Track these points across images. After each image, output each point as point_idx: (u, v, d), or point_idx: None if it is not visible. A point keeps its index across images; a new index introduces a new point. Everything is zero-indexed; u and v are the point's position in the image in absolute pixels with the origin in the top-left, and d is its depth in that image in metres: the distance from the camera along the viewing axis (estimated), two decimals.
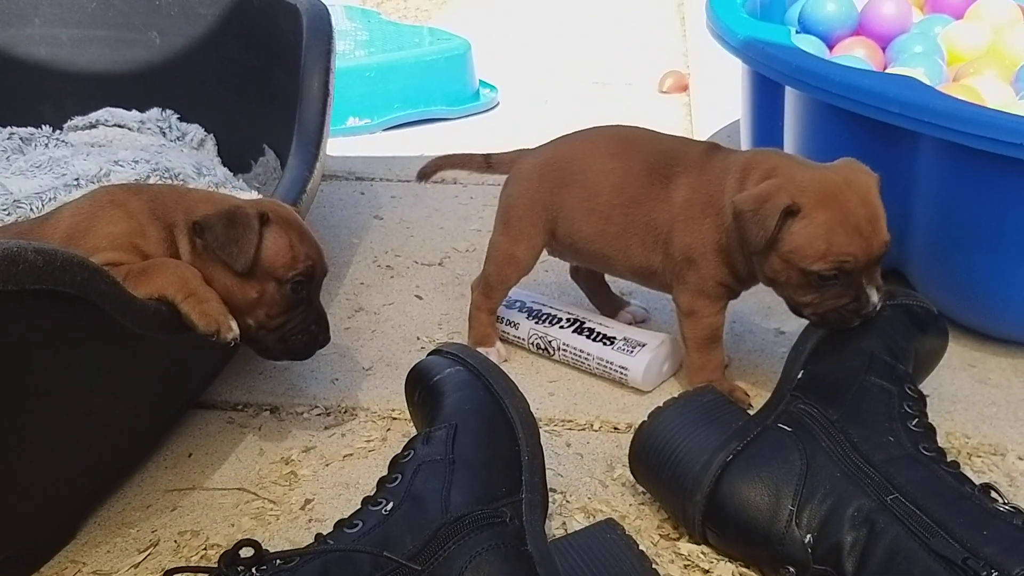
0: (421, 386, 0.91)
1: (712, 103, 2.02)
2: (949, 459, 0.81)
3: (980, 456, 0.99)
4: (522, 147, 1.18)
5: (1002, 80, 1.35)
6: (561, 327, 1.16)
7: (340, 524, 0.76)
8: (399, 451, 0.84)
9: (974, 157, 1.04)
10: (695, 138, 1.89)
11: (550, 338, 1.15)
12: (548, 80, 2.28)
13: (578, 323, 1.16)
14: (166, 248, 0.92)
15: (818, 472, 0.80)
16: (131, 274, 0.87)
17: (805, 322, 0.99)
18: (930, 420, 0.86)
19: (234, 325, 0.91)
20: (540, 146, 1.16)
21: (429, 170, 1.21)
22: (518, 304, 1.21)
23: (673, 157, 1.05)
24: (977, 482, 0.93)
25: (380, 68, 1.95)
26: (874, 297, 0.93)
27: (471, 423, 0.83)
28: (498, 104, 2.13)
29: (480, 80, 2.14)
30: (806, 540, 0.77)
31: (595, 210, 1.08)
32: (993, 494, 0.76)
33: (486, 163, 1.19)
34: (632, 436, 0.91)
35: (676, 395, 0.92)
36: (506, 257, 1.14)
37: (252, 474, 1.00)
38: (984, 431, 1.03)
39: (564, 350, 1.15)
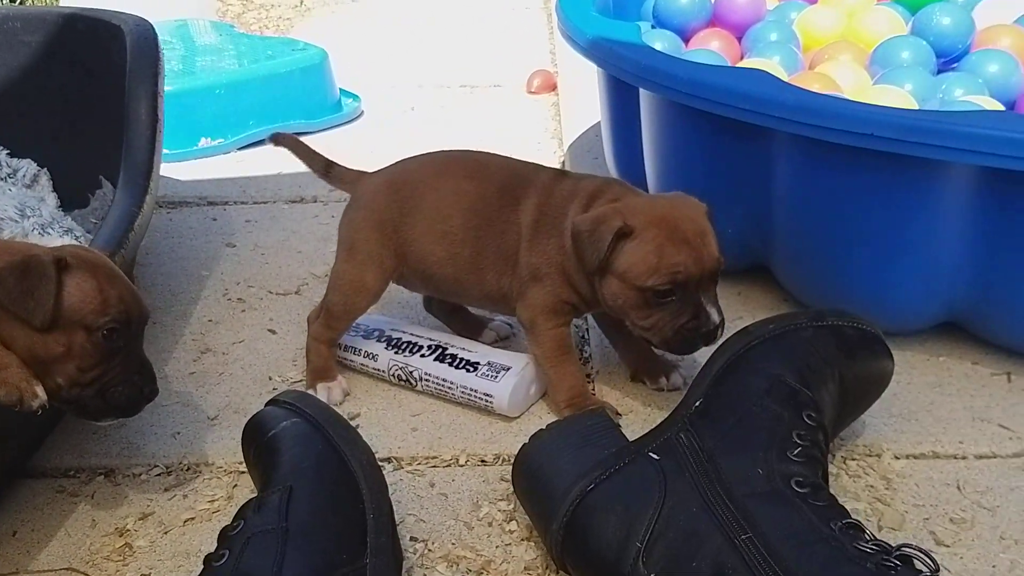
0: (256, 443, 0.83)
1: (581, 101, 1.98)
2: (826, 492, 0.76)
3: (855, 459, 0.96)
4: (387, 156, 1.13)
5: (857, 64, 1.33)
6: (423, 355, 1.09)
7: None
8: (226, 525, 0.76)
9: (828, 149, 1.01)
10: (563, 138, 1.86)
11: (411, 368, 1.08)
12: (414, 87, 2.21)
13: (440, 349, 1.09)
14: None
15: (676, 506, 0.75)
16: None
17: None
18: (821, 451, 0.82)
19: (39, 390, 0.82)
20: (383, 168, 1.12)
21: (277, 139, 1.17)
22: (376, 333, 1.13)
23: (523, 180, 1.04)
24: (857, 488, 0.91)
25: (231, 84, 1.84)
26: (714, 315, 0.93)
27: (309, 483, 0.76)
28: (362, 114, 2.04)
29: (341, 90, 2.05)
30: None
31: (448, 233, 1.03)
32: (863, 532, 0.72)
33: (326, 169, 1.14)
34: (514, 458, 0.87)
35: (545, 425, 0.87)
36: (353, 285, 1.07)
37: (82, 550, 0.90)
38: (858, 430, 1.00)
39: (427, 380, 1.08)
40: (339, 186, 1.14)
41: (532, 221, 1.01)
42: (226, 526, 0.76)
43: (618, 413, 1.04)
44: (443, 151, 1.12)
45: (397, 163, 1.11)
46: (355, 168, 1.15)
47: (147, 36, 1.31)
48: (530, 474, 0.84)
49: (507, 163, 1.08)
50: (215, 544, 0.87)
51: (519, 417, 1.05)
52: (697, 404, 0.87)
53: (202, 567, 0.73)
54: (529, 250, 1.01)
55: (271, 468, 0.79)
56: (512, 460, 0.88)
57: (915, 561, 0.68)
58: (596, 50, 1.22)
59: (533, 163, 1.09)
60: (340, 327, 1.09)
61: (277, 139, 1.17)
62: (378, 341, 1.12)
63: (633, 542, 0.73)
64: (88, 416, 0.90)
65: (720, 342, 0.93)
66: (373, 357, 1.11)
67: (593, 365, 1.14)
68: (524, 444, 0.87)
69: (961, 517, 0.89)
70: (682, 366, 1.10)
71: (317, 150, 1.16)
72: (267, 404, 0.88)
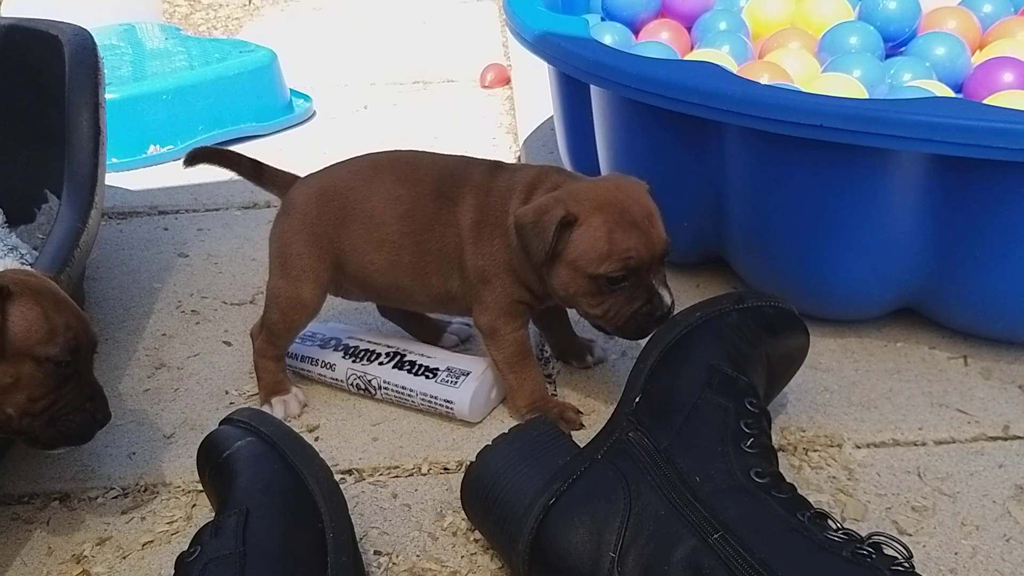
0: (211, 463, 0.82)
1: (534, 94, 1.97)
2: (785, 482, 0.76)
3: (816, 450, 0.97)
4: (340, 157, 1.10)
5: (806, 51, 1.34)
6: (380, 363, 1.07)
7: None
8: (186, 547, 0.74)
9: (779, 141, 1.01)
10: (518, 132, 1.84)
11: (369, 377, 1.07)
12: (366, 84, 2.19)
13: (398, 356, 1.07)
14: None
15: (643, 511, 0.74)
16: None
17: None
18: (769, 437, 0.82)
19: None
20: (314, 174, 1.08)
21: (194, 156, 1.12)
22: (333, 342, 1.12)
23: (458, 179, 1.01)
24: (820, 480, 0.91)
25: (178, 89, 1.81)
26: (666, 298, 0.92)
27: (266, 504, 0.74)
28: (314, 114, 2.02)
29: (292, 91, 2.02)
30: None
31: (385, 240, 1.01)
32: (829, 521, 0.72)
33: (256, 172, 1.10)
34: (462, 478, 0.85)
35: (506, 430, 0.86)
36: (290, 301, 1.04)
37: None
38: (819, 421, 1.01)
39: (385, 388, 1.06)
40: (271, 190, 1.10)
41: (473, 222, 0.98)
42: (183, 552, 0.74)
43: (579, 412, 1.03)
44: (372, 154, 1.08)
45: (328, 169, 1.08)
46: (291, 172, 1.10)
47: (86, 45, 1.27)
48: (484, 495, 0.82)
49: (439, 161, 1.05)
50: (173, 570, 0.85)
51: (481, 422, 1.04)
52: (637, 400, 0.86)
53: None
54: (474, 253, 0.98)
55: (227, 490, 0.77)
56: None
57: (886, 549, 0.68)
58: (544, 46, 1.21)
59: (465, 158, 1.06)
60: (283, 343, 1.07)
61: (191, 158, 1.12)
62: (335, 350, 1.11)
63: (605, 552, 0.72)
64: (39, 446, 0.88)
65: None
66: (331, 367, 1.09)
67: (554, 366, 1.13)
68: (470, 464, 0.84)
69: (923, 505, 0.89)
70: (598, 339, 1.11)
71: (245, 153, 1.12)
72: (221, 423, 0.86)
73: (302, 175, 1.09)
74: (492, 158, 1.05)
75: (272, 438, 0.80)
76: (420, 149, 1.09)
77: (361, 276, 1.03)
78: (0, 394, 0.82)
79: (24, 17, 1.44)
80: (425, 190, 1.00)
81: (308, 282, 1.04)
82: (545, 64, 1.31)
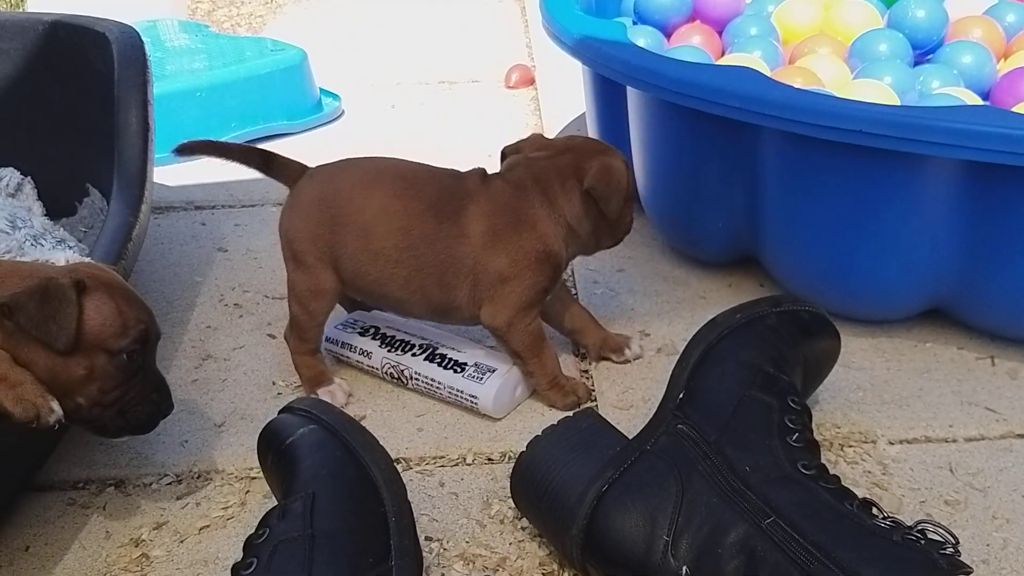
0: (273, 450, 0.85)
1: (559, 95, 2.00)
2: (830, 474, 0.80)
3: (852, 446, 1.00)
4: (376, 154, 1.12)
5: (836, 57, 1.36)
6: (414, 354, 1.10)
7: None
8: (254, 528, 0.77)
9: (815, 144, 1.03)
10: (544, 132, 1.87)
11: (402, 367, 1.10)
12: (392, 84, 2.22)
13: (430, 349, 1.11)
14: None
15: (695, 498, 0.77)
16: None
17: (672, 324, 0.96)
18: (811, 432, 0.85)
19: (55, 406, 0.82)
20: (318, 170, 1.09)
21: (185, 148, 1.10)
22: (372, 330, 1.15)
23: (452, 192, 1.04)
24: (856, 475, 0.94)
25: (212, 87, 1.84)
26: None
27: (330, 489, 0.78)
28: (343, 113, 2.05)
29: (321, 89, 2.05)
30: (682, 572, 0.74)
31: (380, 253, 1.03)
32: (874, 510, 0.75)
33: (266, 163, 1.10)
34: (512, 468, 0.88)
35: (552, 423, 0.89)
36: (310, 292, 1.07)
37: (99, 562, 0.91)
38: (853, 418, 1.04)
39: (416, 379, 1.09)
40: (281, 180, 1.10)
41: (485, 230, 1.01)
42: (251, 535, 0.77)
43: (592, 389, 1.09)
44: (372, 160, 1.10)
45: (333, 167, 1.09)
46: (300, 162, 1.11)
47: (134, 43, 1.30)
48: (535, 483, 0.85)
49: (428, 174, 1.07)
50: (233, 551, 0.89)
51: (523, 416, 1.07)
52: (681, 397, 0.89)
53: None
54: (494, 255, 1.01)
55: (291, 476, 0.80)
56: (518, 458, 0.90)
57: (930, 535, 0.71)
58: (584, 49, 1.24)
59: (450, 171, 1.08)
60: (313, 335, 1.10)
61: (181, 149, 1.10)
62: (372, 339, 1.14)
63: (659, 536, 0.75)
64: (105, 434, 0.91)
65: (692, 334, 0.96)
66: (367, 354, 1.13)
67: (590, 360, 1.16)
68: (521, 455, 0.87)
69: (955, 499, 0.92)
70: (632, 336, 1.16)
71: (303, 149, 1.14)
72: (281, 411, 0.89)
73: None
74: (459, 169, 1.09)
75: (334, 426, 0.83)
76: (435, 152, 1.12)
77: (359, 284, 1.06)
78: (73, 385, 0.85)
79: (67, 13, 1.48)
80: (420, 205, 1.02)
81: (321, 269, 1.05)
82: (571, 66, 1.34)
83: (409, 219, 1.02)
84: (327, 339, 1.15)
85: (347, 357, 1.15)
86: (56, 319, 0.83)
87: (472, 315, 1.05)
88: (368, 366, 1.13)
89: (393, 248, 1.03)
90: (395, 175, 1.06)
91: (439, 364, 1.08)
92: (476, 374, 1.06)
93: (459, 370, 1.07)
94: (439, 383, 1.08)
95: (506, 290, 1.02)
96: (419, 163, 1.09)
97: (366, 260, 1.04)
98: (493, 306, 1.03)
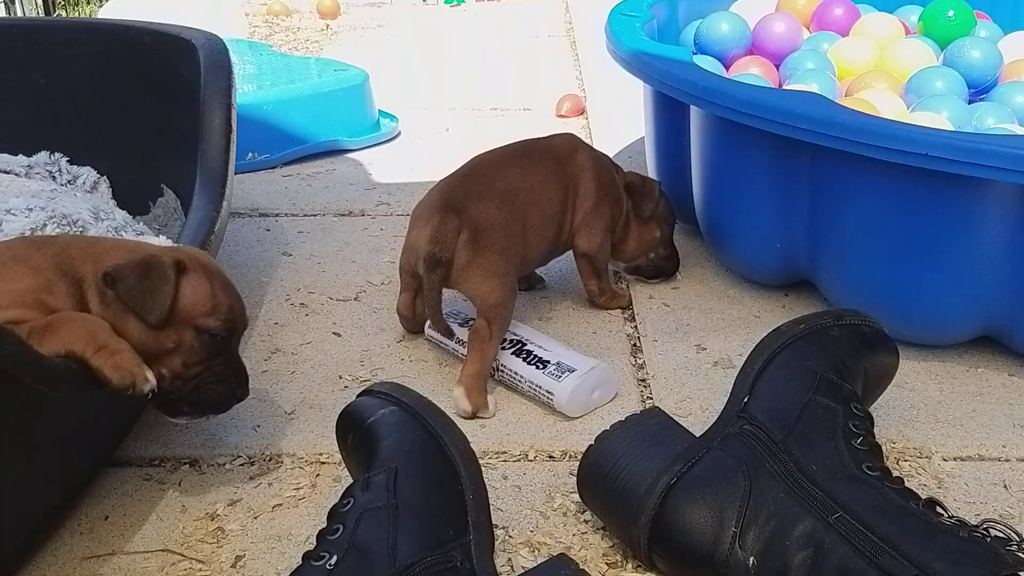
0: (354, 429, 0.88)
1: (609, 125, 2.05)
2: (893, 475, 0.82)
3: (907, 460, 1.02)
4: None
5: (893, 92, 1.40)
6: (503, 348, 1.16)
7: None
8: (335, 500, 0.81)
9: (874, 167, 1.07)
10: None
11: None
12: (446, 109, 2.27)
13: (519, 344, 1.16)
14: (75, 302, 0.87)
15: (762, 493, 0.80)
16: (34, 331, 0.82)
17: (727, 340, 1.00)
18: (875, 437, 0.88)
19: (150, 376, 0.87)
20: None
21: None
22: (471, 322, 1.18)
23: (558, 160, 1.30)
24: (912, 487, 0.96)
25: (278, 102, 1.90)
26: None
27: (412, 465, 0.81)
28: (400, 134, 2.11)
29: (380, 110, 2.11)
30: (749, 563, 0.77)
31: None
32: (938, 509, 0.77)
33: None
34: (580, 460, 0.91)
35: (622, 418, 0.92)
36: (513, 292, 1.17)
37: (176, 533, 0.94)
38: (908, 435, 1.06)
39: (502, 371, 1.15)
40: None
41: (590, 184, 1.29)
42: (335, 504, 0.81)
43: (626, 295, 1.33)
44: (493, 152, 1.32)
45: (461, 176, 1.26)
46: None
47: (220, 51, 1.36)
48: (603, 475, 0.88)
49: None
50: (306, 528, 0.92)
51: (586, 418, 1.10)
52: (746, 400, 0.92)
53: (315, 542, 0.78)
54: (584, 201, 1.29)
55: (373, 452, 0.84)
56: (578, 456, 0.93)
57: (994, 533, 0.74)
58: (653, 72, 1.29)
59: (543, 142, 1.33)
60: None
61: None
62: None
63: (727, 527, 0.78)
64: (176, 414, 0.94)
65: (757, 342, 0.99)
66: (464, 344, 1.17)
67: (649, 370, 1.19)
68: (589, 448, 0.90)
69: (1010, 514, 0.94)
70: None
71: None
72: (360, 395, 0.93)
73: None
74: None
75: (414, 408, 0.86)
76: None
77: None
78: (161, 355, 0.90)
79: (151, 21, 1.54)
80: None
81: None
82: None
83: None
84: (428, 326, 1.21)
85: (445, 344, 1.21)
86: (153, 294, 0.87)
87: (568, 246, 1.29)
88: (463, 355, 1.18)
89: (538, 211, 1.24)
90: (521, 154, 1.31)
91: (524, 359, 1.14)
92: (556, 372, 1.11)
93: (542, 367, 1.12)
94: (521, 376, 1.13)
95: (595, 221, 1.27)
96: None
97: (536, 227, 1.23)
98: (587, 232, 1.27)
